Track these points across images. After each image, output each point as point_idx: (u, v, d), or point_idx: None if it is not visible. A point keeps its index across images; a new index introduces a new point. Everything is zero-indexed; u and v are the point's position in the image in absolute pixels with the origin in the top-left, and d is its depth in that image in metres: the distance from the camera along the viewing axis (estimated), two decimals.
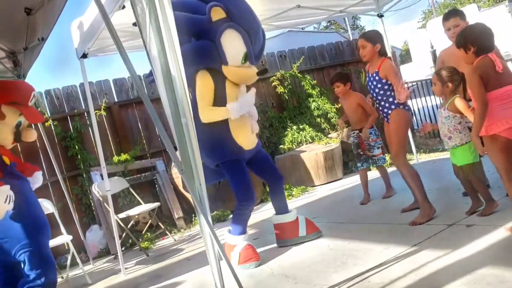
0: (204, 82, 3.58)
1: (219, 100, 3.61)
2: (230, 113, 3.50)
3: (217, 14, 3.50)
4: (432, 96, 8.22)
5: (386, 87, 3.76)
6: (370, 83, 3.88)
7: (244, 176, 3.70)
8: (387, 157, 6.73)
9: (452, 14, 3.82)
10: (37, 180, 3.37)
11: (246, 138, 3.74)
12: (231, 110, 3.50)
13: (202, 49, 3.53)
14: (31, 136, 3.22)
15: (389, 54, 5.12)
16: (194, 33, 3.56)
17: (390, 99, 3.75)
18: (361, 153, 4.87)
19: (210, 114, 3.54)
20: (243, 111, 3.56)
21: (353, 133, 4.96)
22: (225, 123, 3.63)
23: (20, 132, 3.12)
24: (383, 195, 4.80)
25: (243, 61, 3.62)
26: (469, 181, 3.43)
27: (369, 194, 4.88)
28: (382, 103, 3.81)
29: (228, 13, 3.54)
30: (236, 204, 3.74)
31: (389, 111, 3.77)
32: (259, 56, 3.86)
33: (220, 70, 3.59)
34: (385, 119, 3.87)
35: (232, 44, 3.55)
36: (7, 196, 2.73)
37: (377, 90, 3.82)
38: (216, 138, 3.54)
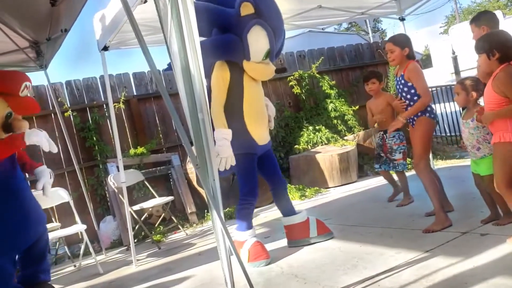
0: (221, 73, 3.61)
1: (236, 92, 3.63)
2: (216, 136, 3.41)
3: (247, 9, 3.52)
4: (452, 102, 8.12)
5: (412, 91, 3.73)
6: (397, 86, 3.88)
7: (252, 171, 3.73)
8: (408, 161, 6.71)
9: (470, 22, 3.81)
10: (42, 174, 3.37)
11: (261, 132, 3.77)
12: (220, 136, 3.44)
13: (228, 42, 3.56)
14: (22, 126, 3.15)
15: None
16: (221, 25, 3.59)
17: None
18: (382, 154, 4.82)
19: (214, 113, 3.52)
20: (221, 146, 3.43)
21: (379, 133, 4.89)
22: (240, 115, 3.66)
23: (11, 123, 3.07)
24: (399, 203, 4.68)
25: (264, 58, 3.66)
26: (488, 193, 3.38)
27: (398, 188, 4.84)
28: (408, 108, 3.79)
29: (257, 10, 3.56)
30: (239, 198, 3.75)
31: (415, 117, 3.75)
32: (277, 54, 3.91)
33: (240, 64, 3.62)
34: (410, 124, 3.85)
35: (258, 41, 3.58)
36: None
37: (404, 94, 3.80)
38: (231, 129, 3.56)
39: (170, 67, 3.28)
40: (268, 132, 3.93)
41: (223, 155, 3.39)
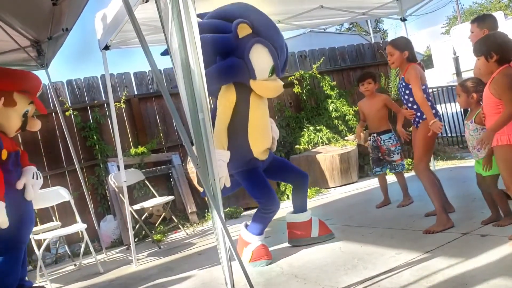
0: (227, 94, 3.59)
1: (241, 112, 3.62)
2: (217, 157, 3.37)
3: (244, 30, 3.52)
4: (453, 103, 8.12)
5: None
6: (400, 89, 3.89)
7: (262, 180, 3.68)
8: (406, 162, 6.68)
9: (472, 21, 3.81)
10: (25, 173, 3.22)
11: (262, 151, 3.75)
12: (217, 157, 3.40)
13: (231, 66, 3.54)
14: (36, 125, 3.25)
15: None
16: (221, 52, 3.57)
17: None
18: (381, 157, 4.81)
19: (215, 133, 3.48)
20: (218, 167, 3.40)
21: (372, 136, 4.86)
22: (245, 134, 3.63)
23: (26, 120, 3.16)
24: (399, 204, 4.68)
25: (270, 74, 3.63)
26: (490, 193, 3.38)
27: (389, 198, 4.83)
28: (413, 110, 3.79)
29: (254, 29, 3.56)
30: (259, 207, 3.71)
31: (420, 120, 3.74)
32: (283, 68, 3.89)
33: (247, 84, 3.60)
34: (414, 124, 3.85)
35: (260, 58, 3.57)
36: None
37: (406, 97, 3.82)
38: (232, 147, 3.53)
39: (166, 52, 3.20)
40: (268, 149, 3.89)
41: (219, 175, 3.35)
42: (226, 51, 3.56)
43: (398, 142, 4.76)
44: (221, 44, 3.53)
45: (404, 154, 7.06)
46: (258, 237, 3.71)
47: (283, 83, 3.77)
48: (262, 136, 3.74)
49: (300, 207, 3.97)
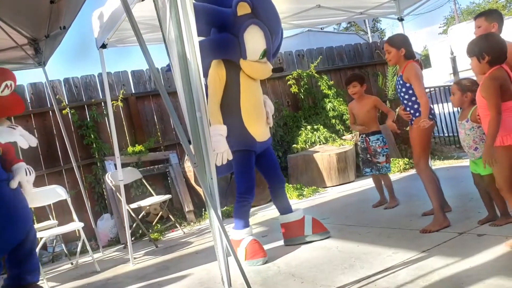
0: (217, 71, 3.65)
1: (233, 90, 3.67)
2: (212, 132, 3.28)
3: (243, 9, 3.57)
4: (450, 103, 8.14)
5: (410, 91, 3.73)
6: (397, 86, 3.89)
7: (250, 169, 3.74)
8: (401, 162, 6.69)
9: (478, 15, 3.79)
10: (17, 171, 3.17)
11: (259, 129, 3.78)
12: (215, 132, 3.45)
13: (224, 42, 3.60)
14: None
15: None
16: (218, 25, 3.63)
17: (416, 106, 3.71)
18: (369, 158, 4.83)
19: (209, 110, 3.53)
20: (217, 142, 3.46)
21: (361, 137, 4.88)
22: (238, 112, 3.68)
23: None
24: (386, 206, 4.70)
25: (261, 57, 3.69)
26: (487, 193, 3.38)
27: (385, 197, 4.85)
28: (408, 108, 3.79)
29: (254, 11, 3.60)
30: (236, 196, 3.77)
31: (413, 118, 3.75)
32: (275, 54, 3.96)
33: (237, 63, 3.65)
34: (410, 123, 3.86)
35: (254, 40, 3.62)
36: None
37: (402, 94, 3.82)
38: (228, 127, 3.58)
39: (169, 68, 3.28)
40: (268, 129, 3.94)
41: (219, 150, 3.42)
42: (222, 26, 3.62)
43: (386, 145, 4.78)
44: (219, 17, 3.58)
45: (401, 153, 7.08)
46: (246, 231, 3.75)
47: (271, 67, 3.81)
48: (256, 115, 3.78)
49: (284, 209, 3.99)
